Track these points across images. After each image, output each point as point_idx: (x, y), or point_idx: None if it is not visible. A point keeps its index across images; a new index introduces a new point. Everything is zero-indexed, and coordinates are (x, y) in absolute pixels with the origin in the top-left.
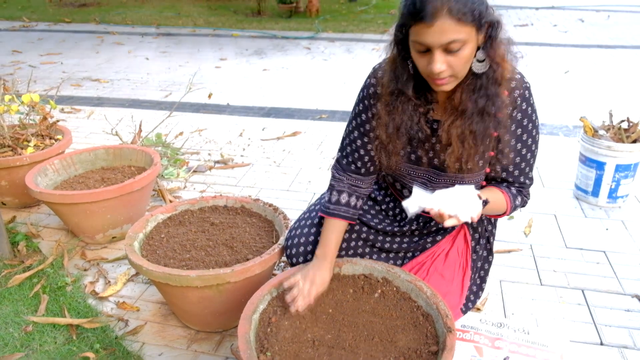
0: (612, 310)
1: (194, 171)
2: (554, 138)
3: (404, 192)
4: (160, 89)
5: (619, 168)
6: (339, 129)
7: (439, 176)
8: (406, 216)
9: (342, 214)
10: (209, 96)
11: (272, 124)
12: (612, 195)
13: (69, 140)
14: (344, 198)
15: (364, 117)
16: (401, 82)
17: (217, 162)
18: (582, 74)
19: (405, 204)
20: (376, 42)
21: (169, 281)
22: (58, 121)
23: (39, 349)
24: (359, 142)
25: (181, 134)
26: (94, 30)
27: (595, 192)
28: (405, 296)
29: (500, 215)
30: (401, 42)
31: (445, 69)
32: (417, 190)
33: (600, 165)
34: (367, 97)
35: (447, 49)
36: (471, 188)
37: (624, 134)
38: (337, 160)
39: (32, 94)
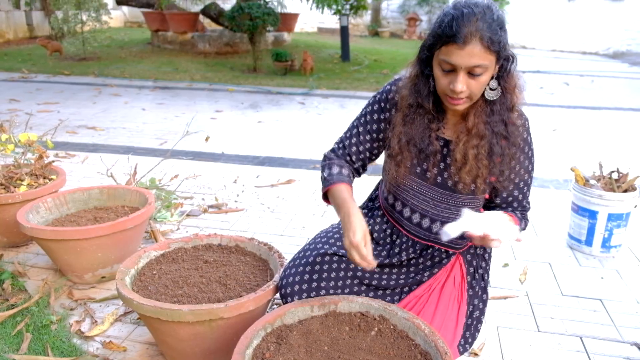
0: (611, 357)
1: (187, 215)
2: (545, 190)
3: (404, 212)
4: (156, 137)
5: (611, 217)
6: None
7: (443, 196)
8: (402, 244)
9: (336, 179)
10: (206, 139)
11: (266, 172)
12: (606, 244)
13: (63, 180)
14: (335, 169)
15: (375, 116)
16: (421, 96)
17: (211, 206)
18: (569, 132)
19: (447, 227)
20: (368, 99)
21: (160, 316)
22: (53, 162)
23: None
24: (360, 136)
25: (176, 176)
26: (92, 83)
27: (589, 242)
28: (402, 334)
29: (497, 247)
30: (425, 61)
31: (465, 90)
32: (463, 217)
33: (592, 214)
34: (385, 100)
35: (471, 72)
36: (500, 213)
37: (614, 183)
38: (332, 148)
39: (29, 133)
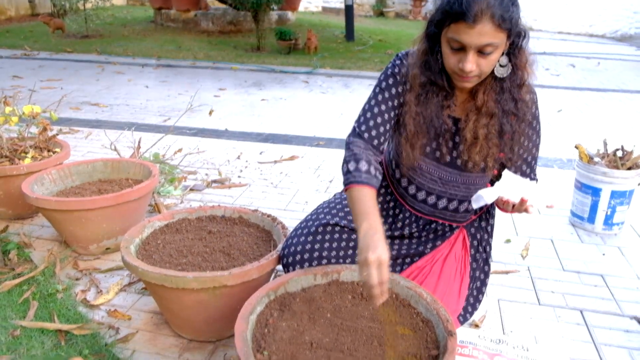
0: (611, 330)
1: (191, 189)
2: (548, 170)
3: (410, 189)
4: (159, 114)
5: (614, 194)
6: (336, 155)
7: (452, 175)
8: (405, 218)
9: (365, 180)
10: (210, 113)
11: (269, 149)
12: (608, 222)
13: (67, 154)
14: (363, 165)
15: (393, 91)
16: (434, 74)
17: (215, 181)
18: (574, 113)
19: (482, 192)
20: (373, 79)
21: (165, 282)
22: (57, 134)
23: (26, 353)
24: (385, 115)
25: (180, 150)
26: (95, 60)
27: (591, 219)
28: (404, 302)
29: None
30: (433, 37)
31: (475, 69)
32: (497, 183)
33: (595, 192)
34: (398, 73)
35: (481, 51)
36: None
37: (619, 161)
38: (353, 129)
39: (33, 106)
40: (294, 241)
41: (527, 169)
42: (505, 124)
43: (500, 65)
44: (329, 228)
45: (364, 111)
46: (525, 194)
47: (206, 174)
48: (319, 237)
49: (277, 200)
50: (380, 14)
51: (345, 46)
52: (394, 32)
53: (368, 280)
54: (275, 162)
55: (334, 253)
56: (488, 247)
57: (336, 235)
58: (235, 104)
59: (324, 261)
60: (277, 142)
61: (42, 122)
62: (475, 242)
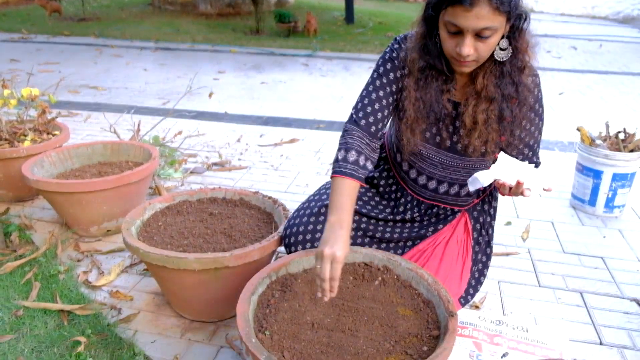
0: (611, 312)
1: (191, 172)
2: (549, 152)
3: (411, 172)
4: (158, 97)
5: (615, 177)
6: (337, 138)
7: (452, 160)
8: (407, 203)
9: (349, 171)
10: (210, 95)
11: (269, 132)
12: (609, 204)
13: (67, 136)
14: (352, 156)
15: (391, 76)
16: (432, 58)
17: (215, 164)
18: (575, 96)
19: (478, 175)
20: (373, 62)
21: (167, 264)
22: (56, 117)
23: (29, 333)
24: (373, 96)
25: (179, 133)
26: (93, 43)
27: (592, 201)
28: (405, 284)
29: (527, 196)
30: (431, 20)
31: (472, 53)
32: (493, 165)
33: (597, 174)
34: (396, 58)
35: (479, 34)
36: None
37: (621, 143)
38: (350, 115)
39: (31, 88)
40: (296, 222)
41: (530, 153)
42: (505, 108)
43: (500, 49)
44: None
45: (361, 97)
46: (522, 177)
47: (206, 157)
48: (321, 218)
49: (277, 182)
50: None
51: (345, 29)
52: (394, 15)
53: (319, 273)
54: (276, 145)
55: None
56: (490, 230)
57: None
58: (234, 87)
59: None
60: (277, 125)
61: (40, 105)
62: (477, 225)
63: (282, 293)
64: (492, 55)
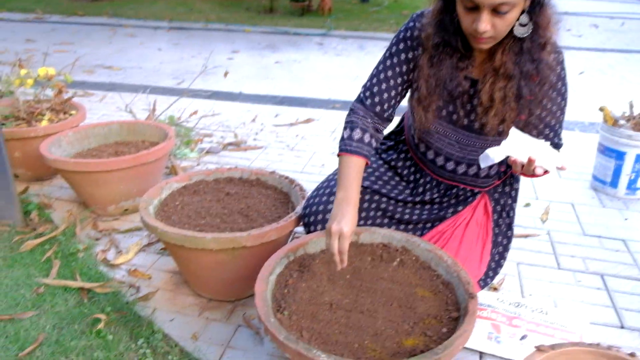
0: (632, 295)
1: (207, 151)
2: (570, 133)
3: (428, 154)
4: (173, 77)
5: (639, 158)
6: None
7: (469, 138)
8: (426, 183)
9: (354, 149)
10: (225, 74)
11: (284, 112)
12: (632, 186)
13: (83, 115)
14: (357, 134)
15: (402, 56)
16: (448, 34)
17: (230, 144)
18: (596, 76)
19: (489, 151)
20: (388, 41)
21: (184, 243)
22: (72, 97)
23: (50, 310)
24: (391, 81)
25: (195, 112)
26: (107, 23)
27: (614, 183)
28: (424, 265)
29: (539, 175)
30: None
31: (489, 30)
32: (504, 141)
33: (620, 155)
34: (410, 38)
35: (496, 10)
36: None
37: None
38: (358, 95)
39: (47, 68)
40: (315, 200)
41: (551, 133)
42: (524, 86)
43: (520, 25)
44: None
45: (371, 77)
46: (534, 154)
47: (222, 137)
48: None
49: (293, 162)
50: None
51: (360, 7)
52: None
53: (328, 248)
54: (291, 125)
55: None
56: (512, 212)
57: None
58: (249, 67)
59: None
60: (293, 104)
61: (57, 85)
62: (498, 207)
63: (300, 273)
64: (511, 31)
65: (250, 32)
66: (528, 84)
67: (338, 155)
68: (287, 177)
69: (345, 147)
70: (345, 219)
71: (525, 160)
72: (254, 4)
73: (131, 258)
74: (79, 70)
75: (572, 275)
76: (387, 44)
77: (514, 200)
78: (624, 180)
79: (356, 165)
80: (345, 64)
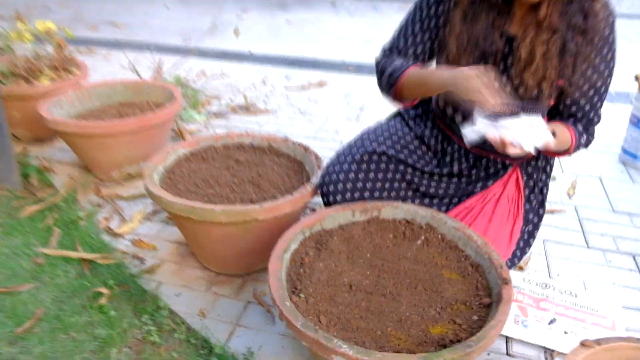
0: None
1: (215, 114)
2: None
3: (456, 117)
4: (180, 35)
5: None
6: (367, 82)
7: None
8: (454, 153)
9: (407, 65)
10: (236, 32)
11: (296, 74)
12: None
13: (86, 74)
14: (398, 61)
15: (432, 10)
16: None
17: (239, 107)
18: (624, 43)
19: (465, 130)
20: (403, 1)
21: (192, 215)
22: (74, 53)
23: (50, 282)
24: (417, 37)
25: (203, 73)
26: None
27: None
28: (451, 244)
29: (562, 154)
30: None
31: None
32: (479, 118)
33: None
34: None
35: None
36: (538, 118)
37: None
38: (382, 51)
39: (46, 22)
40: (335, 168)
41: (586, 105)
42: (570, 40)
43: None
44: (374, 157)
45: (396, 31)
46: (506, 133)
47: (230, 99)
48: (363, 166)
49: (305, 127)
50: None
51: None
52: None
53: (475, 86)
54: (303, 87)
55: (379, 185)
56: (545, 189)
57: (382, 165)
58: (259, 26)
59: (367, 193)
60: (304, 67)
61: (57, 40)
62: (531, 182)
63: (317, 251)
64: None
65: None
66: (574, 38)
67: (399, 89)
68: (301, 144)
69: (403, 68)
70: (465, 69)
71: (497, 138)
72: None
73: (135, 227)
74: (82, 26)
75: (602, 254)
76: (401, 4)
77: (548, 176)
78: None
79: (422, 69)
80: (359, 24)
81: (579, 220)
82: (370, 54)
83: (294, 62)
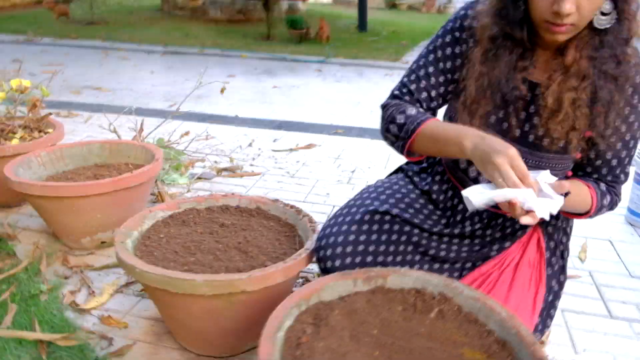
0: None
1: (199, 177)
2: None
3: (470, 171)
4: (164, 99)
5: None
6: (357, 144)
7: (520, 152)
8: (465, 211)
9: (424, 117)
10: (222, 91)
11: (283, 137)
12: None
13: (61, 134)
14: (411, 110)
15: (449, 50)
16: (511, 23)
17: (225, 169)
18: None
19: (466, 193)
20: (389, 69)
21: (169, 287)
22: (50, 114)
23: None
24: (432, 78)
25: (187, 133)
26: (100, 46)
27: None
28: (470, 317)
29: (581, 216)
30: None
31: (573, 12)
32: (481, 185)
33: None
34: (459, 28)
35: None
36: (547, 175)
37: None
38: (392, 93)
39: (21, 79)
40: (333, 230)
41: (614, 160)
42: (602, 88)
43: (602, 13)
44: (377, 217)
45: (409, 71)
46: (517, 196)
47: (215, 162)
48: (365, 227)
49: (294, 191)
50: (393, 6)
51: (358, 37)
52: (407, 24)
53: (507, 181)
54: (291, 150)
55: (382, 247)
56: (566, 253)
57: (386, 226)
58: (245, 91)
59: (369, 258)
60: (292, 129)
61: (32, 99)
62: (552, 244)
63: (316, 328)
64: (589, 22)
65: (246, 57)
66: (607, 85)
67: (412, 142)
68: (292, 206)
69: (417, 122)
70: (496, 141)
71: (506, 201)
72: (251, 31)
73: (105, 301)
74: (65, 90)
75: (627, 325)
76: (387, 71)
77: (568, 238)
78: None
79: (441, 122)
80: (346, 90)
81: (596, 286)
82: (359, 118)
83: (282, 125)
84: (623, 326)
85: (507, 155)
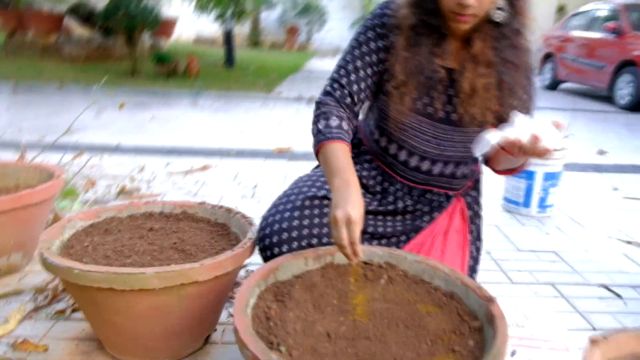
0: (587, 299)
1: (95, 202)
2: None
3: (400, 155)
4: (32, 132)
5: (547, 177)
6: (253, 164)
7: (447, 132)
8: (396, 192)
9: (336, 135)
10: (120, 106)
11: (175, 161)
12: (542, 204)
13: None
14: (333, 121)
15: (372, 45)
16: (426, 13)
17: (121, 192)
18: None
19: (489, 135)
20: (264, 99)
21: (115, 284)
22: None
23: None
24: (360, 72)
25: (80, 154)
26: None
27: (527, 203)
28: (416, 279)
29: (515, 170)
30: None
31: (474, 4)
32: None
33: (530, 175)
34: (380, 25)
35: None
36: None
37: None
38: (324, 89)
39: None
40: (276, 218)
41: None
42: (505, 73)
43: (498, 8)
44: (316, 201)
45: (337, 67)
46: (537, 131)
47: (107, 186)
48: (306, 212)
49: None
50: (256, 43)
51: (227, 72)
52: (273, 59)
53: (337, 240)
54: (187, 172)
55: (325, 230)
56: (479, 221)
57: (326, 210)
58: (123, 122)
59: (314, 240)
60: (183, 155)
61: None
62: (470, 212)
63: (281, 303)
64: (487, 17)
65: (114, 93)
66: (508, 71)
67: (319, 148)
68: (222, 206)
69: (326, 136)
70: (350, 203)
71: (526, 139)
72: (114, 67)
73: (13, 328)
74: None
75: (527, 288)
76: (263, 101)
77: (480, 207)
78: (535, 199)
79: (344, 150)
80: (226, 119)
81: (495, 261)
82: (247, 142)
83: (171, 151)
84: (523, 289)
85: (347, 216)
